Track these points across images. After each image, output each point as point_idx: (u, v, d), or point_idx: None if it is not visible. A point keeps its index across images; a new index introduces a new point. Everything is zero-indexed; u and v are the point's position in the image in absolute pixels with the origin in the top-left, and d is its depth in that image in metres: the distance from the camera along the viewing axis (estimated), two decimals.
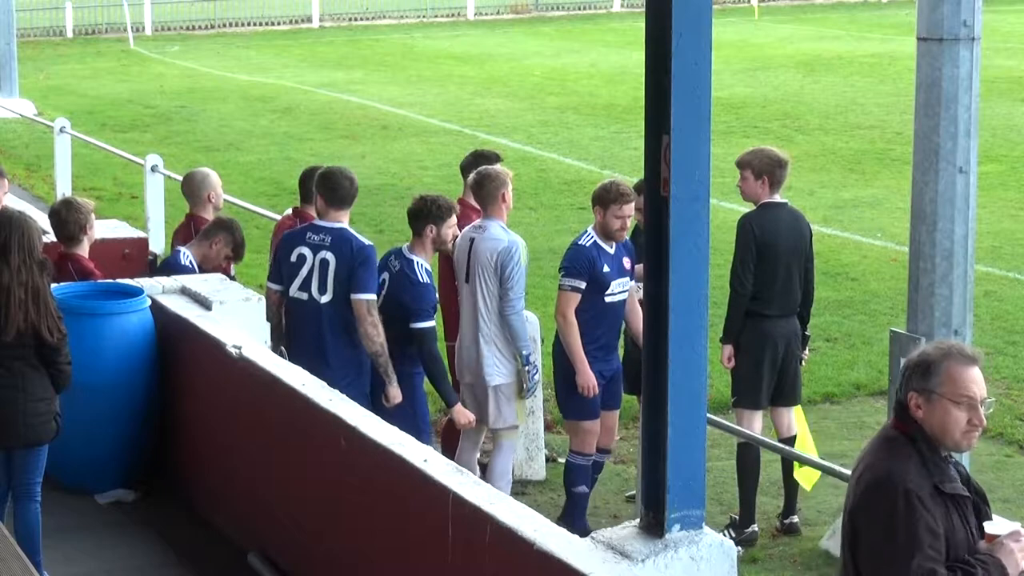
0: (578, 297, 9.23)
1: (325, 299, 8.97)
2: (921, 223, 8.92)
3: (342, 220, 9.08)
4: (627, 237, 9.45)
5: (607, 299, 9.32)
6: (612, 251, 9.31)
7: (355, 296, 8.85)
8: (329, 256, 8.97)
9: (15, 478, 7.89)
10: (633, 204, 9.24)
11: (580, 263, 9.25)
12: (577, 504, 9.48)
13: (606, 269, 9.28)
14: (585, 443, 9.44)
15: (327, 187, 9.15)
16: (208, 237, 10.06)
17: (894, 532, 4.93)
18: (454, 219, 9.18)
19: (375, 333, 8.82)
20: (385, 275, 9.13)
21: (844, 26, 41.16)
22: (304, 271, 9.05)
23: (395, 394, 8.85)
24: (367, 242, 9.03)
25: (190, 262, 9.98)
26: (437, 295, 9.28)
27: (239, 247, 10.04)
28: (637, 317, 9.52)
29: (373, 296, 8.88)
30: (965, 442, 5.11)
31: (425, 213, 9.09)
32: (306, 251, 9.06)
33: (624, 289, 9.41)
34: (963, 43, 8.69)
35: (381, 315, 8.96)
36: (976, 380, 5.09)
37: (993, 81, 26.73)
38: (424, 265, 9.09)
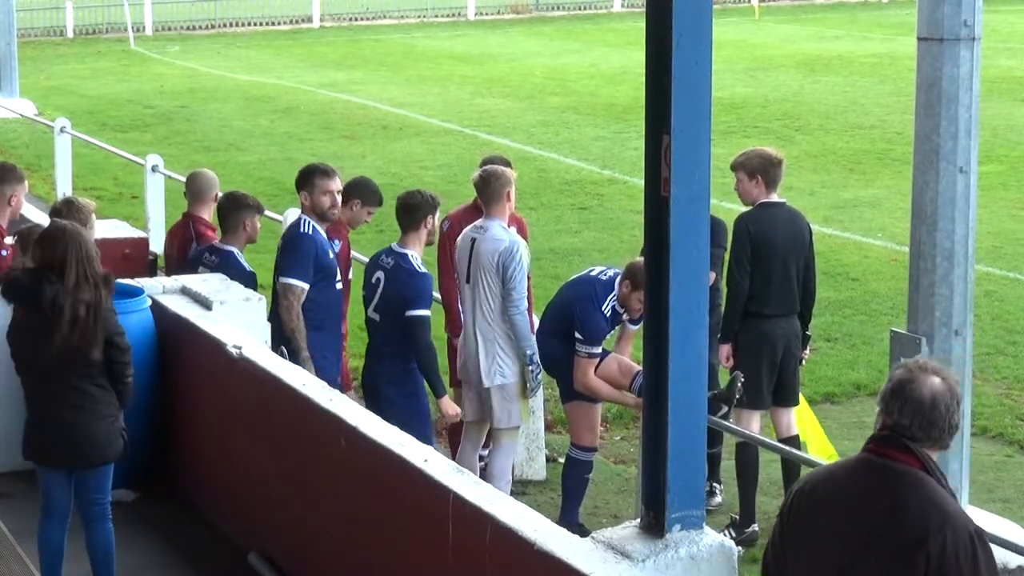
0: (595, 361, 9.34)
1: (278, 285, 9.35)
2: (921, 223, 8.92)
3: (304, 211, 9.41)
4: None
5: None
6: (622, 311, 9.39)
7: (279, 278, 9.24)
8: (280, 244, 9.45)
9: (82, 498, 7.78)
10: None
11: (599, 333, 9.33)
12: (574, 500, 9.49)
13: (608, 327, 9.42)
14: (584, 433, 9.49)
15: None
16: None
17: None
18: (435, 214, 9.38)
19: (287, 317, 9.10)
20: (379, 274, 9.25)
21: (844, 26, 41.17)
22: None
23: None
24: (303, 231, 9.27)
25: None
26: (437, 291, 9.39)
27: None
28: (624, 352, 9.64)
29: (292, 281, 9.15)
30: None
31: (425, 205, 9.29)
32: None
33: (609, 335, 9.55)
34: (963, 43, 8.69)
35: (380, 313, 9.18)
36: None
37: (994, 81, 26.74)
38: (418, 257, 9.24)
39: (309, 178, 9.39)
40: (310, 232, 9.22)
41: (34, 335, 7.51)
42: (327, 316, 9.28)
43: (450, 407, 9.31)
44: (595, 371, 9.35)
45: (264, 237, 16.93)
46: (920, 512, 4.82)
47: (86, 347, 7.45)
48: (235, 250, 9.93)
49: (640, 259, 9.20)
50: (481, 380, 9.25)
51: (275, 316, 9.31)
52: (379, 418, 7.48)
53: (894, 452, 4.92)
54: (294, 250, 9.21)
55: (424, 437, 8.35)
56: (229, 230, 9.95)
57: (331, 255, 9.31)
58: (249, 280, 9.84)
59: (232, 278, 9.76)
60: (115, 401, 7.65)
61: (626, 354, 9.72)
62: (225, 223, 9.97)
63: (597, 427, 9.70)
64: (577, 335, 9.27)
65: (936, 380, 4.93)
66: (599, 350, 9.34)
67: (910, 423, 4.90)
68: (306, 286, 9.12)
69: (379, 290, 9.21)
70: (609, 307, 9.30)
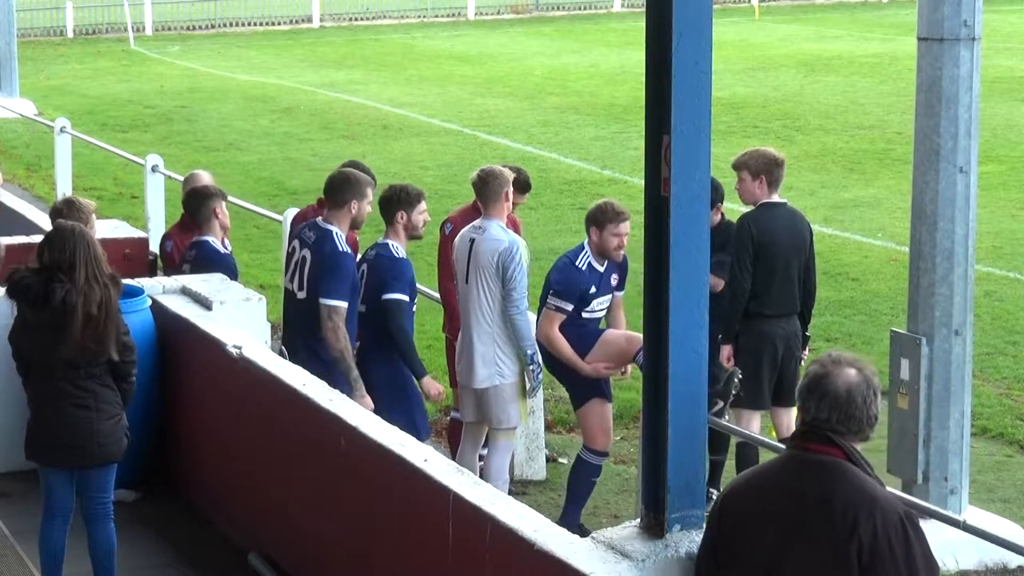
0: (563, 317, 9.35)
1: (301, 295, 9.08)
2: (921, 223, 8.92)
3: (335, 221, 9.09)
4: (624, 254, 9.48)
5: (585, 315, 9.47)
6: (603, 270, 9.37)
7: (320, 300, 8.90)
8: (308, 254, 9.07)
9: (86, 497, 7.77)
10: (629, 222, 9.31)
11: (572, 286, 9.33)
12: (577, 502, 9.48)
13: (593, 290, 9.39)
14: (598, 436, 9.47)
15: (325, 186, 9.30)
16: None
17: (915, 563, 4.79)
18: (423, 204, 9.33)
19: (333, 339, 8.83)
20: (364, 267, 9.25)
21: (845, 26, 41.17)
22: (293, 263, 9.20)
23: (366, 403, 8.80)
24: (343, 250, 8.99)
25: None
26: (437, 291, 9.34)
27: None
28: (619, 326, 9.61)
29: (336, 303, 8.86)
30: None
31: (396, 200, 9.24)
32: (297, 244, 9.21)
33: (603, 306, 9.53)
34: (963, 43, 8.69)
35: (365, 304, 9.11)
36: None
37: (994, 81, 26.74)
38: (400, 247, 9.19)
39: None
40: (348, 251, 9.07)
41: (42, 335, 7.51)
42: (353, 325, 9.24)
43: (432, 386, 9.21)
44: (600, 344, 9.35)
45: (264, 237, 17.02)
46: (848, 502, 4.81)
47: (98, 346, 7.48)
48: (208, 238, 10.06)
49: (593, 203, 9.31)
50: (481, 381, 9.24)
51: (295, 325, 9.18)
52: (379, 418, 7.49)
53: (817, 445, 4.93)
54: (337, 271, 8.94)
55: (414, 430, 8.27)
56: (203, 223, 10.11)
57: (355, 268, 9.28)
58: (226, 261, 9.92)
59: (211, 265, 9.85)
60: (119, 400, 7.68)
61: (620, 322, 9.69)
62: (198, 218, 10.14)
63: (611, 431, 9.68)
64: (550, 291, 9.33)
65: (851, 372, 4.93)
66: (569, 307, 9.33)
67: (828, 416, 4.91)
68: (347, 305, 8.95)
69: (363, 282, 9.22)
70: (584, 262, 9.33)
